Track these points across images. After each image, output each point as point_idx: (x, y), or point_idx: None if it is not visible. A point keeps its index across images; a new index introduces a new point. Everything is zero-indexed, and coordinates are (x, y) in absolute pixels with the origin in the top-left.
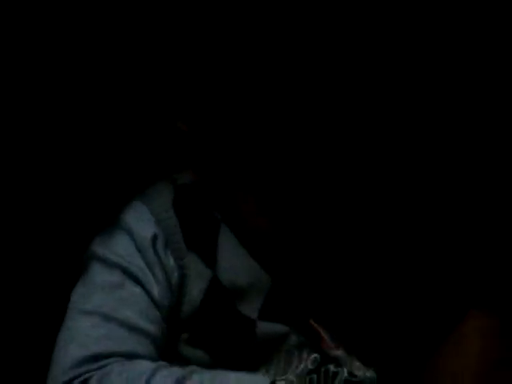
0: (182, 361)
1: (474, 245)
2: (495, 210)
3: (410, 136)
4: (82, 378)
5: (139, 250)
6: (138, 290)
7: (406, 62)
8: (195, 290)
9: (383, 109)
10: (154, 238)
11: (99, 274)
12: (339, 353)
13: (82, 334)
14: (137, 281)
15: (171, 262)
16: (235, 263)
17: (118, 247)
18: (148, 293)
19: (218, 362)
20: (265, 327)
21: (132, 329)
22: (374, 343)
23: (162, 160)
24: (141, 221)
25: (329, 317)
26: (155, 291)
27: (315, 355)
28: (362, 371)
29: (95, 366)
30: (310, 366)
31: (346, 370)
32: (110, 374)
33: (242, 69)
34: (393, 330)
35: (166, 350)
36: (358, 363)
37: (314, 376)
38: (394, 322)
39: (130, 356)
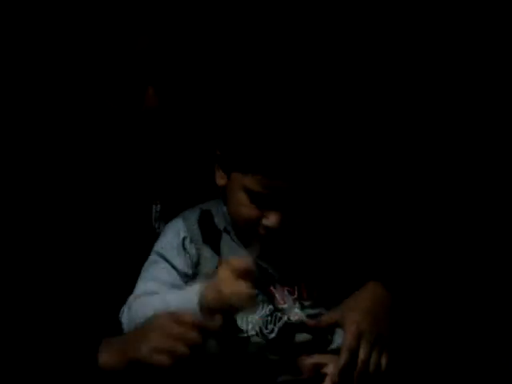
0: None
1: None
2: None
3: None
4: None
5: (174, 244)
6: (167, 265)
7: (406, 62)
8: (208, 266)
9: (382, 109)
10: (184, 238)
11: (150, 257)
12: (285, 306)
13: (139, 287)
14: (167, 260)
15: (193, 250)
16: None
17: (162, 243)
18: (173, 267)
19: None
20: None
21: (167, 285)
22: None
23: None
24: (177, 229)
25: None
26: (178, 266)
27: (270, 306)
28: (297, 317)
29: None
30: (267, 313)
31: (286, 317)
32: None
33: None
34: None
35: None
36: (297, 311)
37: (268, 318)
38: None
39: None
